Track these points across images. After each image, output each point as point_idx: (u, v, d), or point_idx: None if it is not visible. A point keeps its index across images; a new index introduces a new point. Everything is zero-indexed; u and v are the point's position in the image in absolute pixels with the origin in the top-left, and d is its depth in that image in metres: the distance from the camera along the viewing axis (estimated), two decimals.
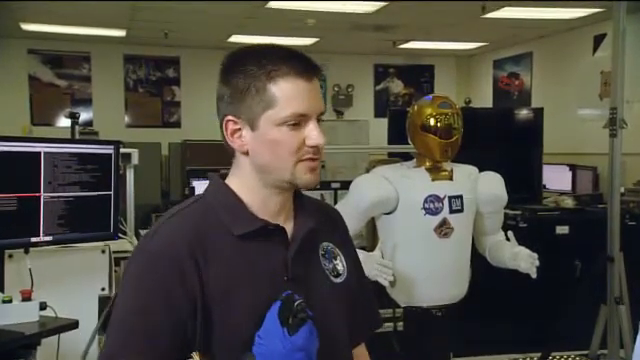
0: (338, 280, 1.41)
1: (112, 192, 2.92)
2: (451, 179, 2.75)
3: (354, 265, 1.50)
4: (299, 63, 1.29)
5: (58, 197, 2.72)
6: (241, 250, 1.29)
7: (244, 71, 1.29)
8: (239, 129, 1.31)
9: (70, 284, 2.98)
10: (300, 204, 1.40)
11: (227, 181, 1.37)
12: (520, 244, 2.75)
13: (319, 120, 1.31)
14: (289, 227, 1.36)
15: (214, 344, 1.24)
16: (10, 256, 2.78)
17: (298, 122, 1.28)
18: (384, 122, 7.36)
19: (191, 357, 1.22)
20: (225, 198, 1.34)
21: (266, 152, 1.30)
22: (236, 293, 1.25)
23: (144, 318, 1.23)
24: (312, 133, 1.29)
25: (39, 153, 2.66)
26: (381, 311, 2.61)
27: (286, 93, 1.27)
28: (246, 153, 1.32)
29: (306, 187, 1.34)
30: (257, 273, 1.28)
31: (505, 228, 2.94)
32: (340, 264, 1.43)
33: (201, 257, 1.25)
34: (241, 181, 1.35)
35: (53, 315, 2.58)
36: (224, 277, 1.26)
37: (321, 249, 1.41)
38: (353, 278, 1.46)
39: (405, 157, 3.57)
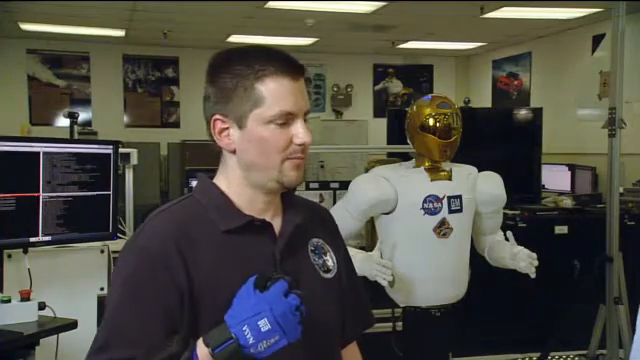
0: (328, 275, 1.42)
1: (111, 192, 2.92)
2: (450, 179, 2.75)
3: (345, 263, 1.51)
4: (286, 63, 1.32)
5: (57, 197, 2.72)
6: (228, 246, 1.31)
7: (231, 71, 1.31)
8: (227, 128, 1.34)
9: (69, 284, 2.98)
10: (288, 202, 1.42)
11: (215, 180, 1.40)
12: (519, 244, 2.74)
13: (305, 119, 1.34)
14: (277, 223, 1.38)
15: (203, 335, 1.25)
16: (9, 256, 2.78)
17: (285, 120, 1.31)
18: (383, 122, 7.38)
19: None
20: (212, 196, 1.36)
21: (253, 150, 1.32)
22: (224, 288, 1.26)
23: (135, 308, 1.25)
24: (299, 131, 1.32)
25: (38, 153, 2.66)
26: (380, 311, 2.63)
27: (273, 92, 1.30)
28: (233, 152, 1.35)
29: (291, 185, 1.36)
30: (245, 268, 1.28)
31: (504, 228, 2.94)
32: (330, 260, 1.44)
33: (188, 252, 1.27)
34: (228, 180, 1.38)
35: (52, 315, 2.59)
36: (211, 272, 1.28)
37: (311, 245, 1.43)
38: (344, 275, 1.47)
39: (404, 157, 3.58)
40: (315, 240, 1.44)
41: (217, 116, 1.34)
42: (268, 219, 1.36)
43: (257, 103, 1.30)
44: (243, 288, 1.21)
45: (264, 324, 1.15)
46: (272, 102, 1.29)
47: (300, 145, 1.32)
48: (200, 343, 1.18)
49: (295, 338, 1.18)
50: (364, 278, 2.51)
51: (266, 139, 1.30)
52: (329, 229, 1.52)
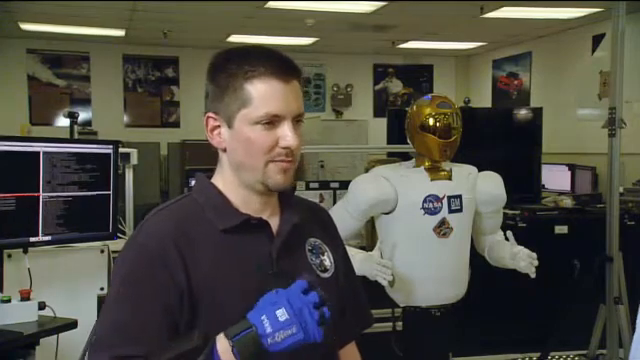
0: (325, 275, 1.42)
1: (111, 192, 2.92)
2: (450, 179, 2.75)
3: (343, 263, 1.52)
4: (277, 64, 1.31)
5: (57, 197, 2.72)
6: (226, 245, 1.32)
7: (226, 70, 1.32)
8: (218, 126, 1.35)
9: (69, 284, 2.98)
10: (286, 201, 1.43)
11: (212, 180, 1.40)
12: (519, 244, 2.75)
13: (298, 122, 1.33)
14: (274, 222, 1.38)
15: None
16: (9, 256, 2.78)
17: (272, 122, 1.30)
18: (383, 122, 7.37)
19: None
20: (210, 195, 1.37)
21: (240, 150, 1.33)
22: (222, 287, 1.27)
23: (134, 306, 1.25)
24: (286, 134, 1.31)
25: (38, 153, 2.66)
26: (380, 311, 2.63)
27: (261, 93, 1.30)
28: (224, 150, 1.36)
29: (277, 189, 1.36)
30: (242, 267, 1.30)
31: (504, 228, 2.94)
32: (327, 260, 1.45)
33: (187, 251, 1.28)
34: (224, 179, 1.39)
35: (52, 315, 2.59)
36: (209, 271, 1.28)
37: (308, 244, 1.43)
38: (341, 274, 1.47)
39: (404, 157, 3.58)
40: (312, 240, 1.44)
41: (209, 114, 1.35)
42: (265, 218, 1.37)
43: (245, 103, 1.30)
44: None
45: (282, 314, 1.16)
46: (259, 103, 1.29)
47: (285, 148, 1.31)
48: (220, 336, 1.18)
49: (314, 338, 1.17)
50: (364, 278, 2.51)
51: (252, 140, 1.31)
52: (327, 229, 1.53)
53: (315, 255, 1.43)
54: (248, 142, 1.31)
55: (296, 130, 1.32)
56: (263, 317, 1.16)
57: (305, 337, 1.16)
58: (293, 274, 1.33)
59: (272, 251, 1.34)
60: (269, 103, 1.30)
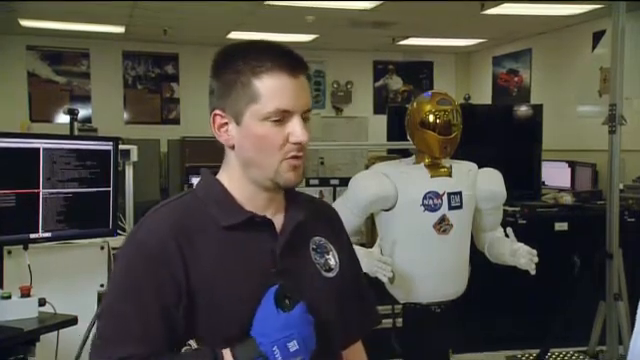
0: (330, 275, 1.41)
1: (111, 188, 2.92)
2: (450, 176, 2.75)
3: (350, 262, 1.50)
4: (284, 59, 1.30)
5: (57, 193, 2.72)
6: (229, 242, 1.30)
7: (231, 66, 1.30)
8: (226, 123, 1.33)
9: (69, 280, 2.98)
10: (292, 199, 1.41)
11: (218, 176, 1.39)
12: (519, 241, 2.75)
13: (306, 117, 1.32)
14: (279, 220, 1.37)
15: (199, 332, 1.26)
16: (9, 252, 2.78)
17: (282, 118, 1.29)
18: (383, 119, 7.37)
19: (189, 344, 1.24)
20: (214, 192, 1.35)
21: (250, 147, 1.31)
22: (222, 284, 1.26)
23: (134, 302, 1.25)
24: (296, 130, 1.29)
25: (38, 149, 2.65)
26: (380, 307, 2.62)
27: (270, 88, 1.28)
28: (232, 147, 1.34)
29: (288, 186, 1.34)
30: (245, 265, 1.29)
31: (504, 225, 2.94)
32: (332, 259, 1.43)
33: (187, 248, 1.27)
34: (229, 176, 1.37)
35: (52, 311, 2.58)
36: (210, 267, 1.27)
37: (312, 243, 1.41)
38: (347, 274, 1.46)
39: (404, 154, 3.57)
40: (317, 239, 1.42)
41: (217, 111, 1.33)
42: (269, 216, 1.35)
43: (253, 99, 1.28)
44: (264, 304, 1.23)
45: (293, 345, 1.21)
46: (268, 99, 1.28)
47: (296, 144, 1.30)
48: (227, 356, 1.21)
49: (312, 350, 1.25)
50: (364, 275, 2.51)
51: (262, 136, 1.29)
52: (333, 227, 1.51)
53: (319, 254, 1.41)
54: (258, 139, 1.29)
55: (304, 125, 1.31)
56: (275, 348, 1.20)
57: (309, 356, 1.24)
58: (297, 273, 1.33)
59: (275, 249, 1.33)
60: (278, 99, 1.28)
